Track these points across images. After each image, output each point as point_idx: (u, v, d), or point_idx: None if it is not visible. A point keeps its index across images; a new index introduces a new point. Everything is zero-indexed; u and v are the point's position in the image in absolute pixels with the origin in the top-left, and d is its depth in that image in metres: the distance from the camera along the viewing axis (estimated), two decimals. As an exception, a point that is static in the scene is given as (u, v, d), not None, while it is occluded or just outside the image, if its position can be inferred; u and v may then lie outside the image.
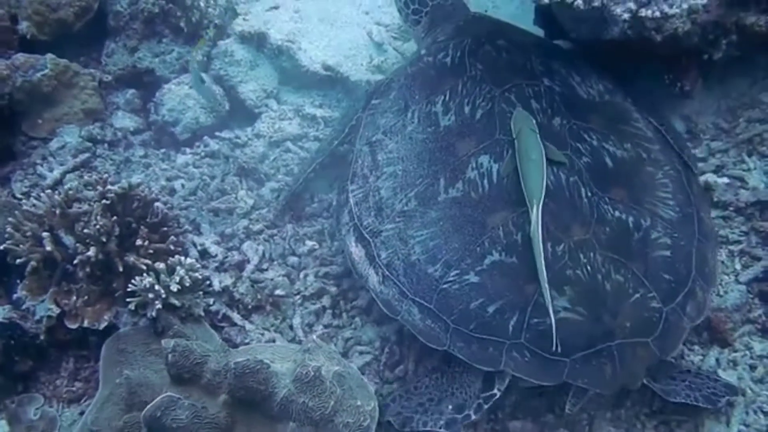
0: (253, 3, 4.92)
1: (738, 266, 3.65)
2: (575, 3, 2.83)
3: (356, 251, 3.46)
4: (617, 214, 3.26)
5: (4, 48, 4.29)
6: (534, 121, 3.34)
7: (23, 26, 4.37)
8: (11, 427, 3.31)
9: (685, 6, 2.80)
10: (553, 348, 2.96)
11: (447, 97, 3.59)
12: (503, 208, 3.23)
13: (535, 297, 3.04)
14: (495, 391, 3.11)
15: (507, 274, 3.12)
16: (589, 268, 3.10)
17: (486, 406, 3.11)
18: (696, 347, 3.48)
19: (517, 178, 3.21)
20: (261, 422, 2.92)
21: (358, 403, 2.95)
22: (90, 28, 4.63)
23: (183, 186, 4.15)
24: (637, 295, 3.11)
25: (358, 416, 2.91)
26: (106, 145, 4.33)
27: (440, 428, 3.09)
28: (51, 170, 4.02)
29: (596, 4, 2.84)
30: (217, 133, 4.42)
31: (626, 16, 2.81)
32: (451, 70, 3.71)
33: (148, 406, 2.72)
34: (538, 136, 3.26)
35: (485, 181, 3.31)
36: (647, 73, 3.98)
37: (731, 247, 3.71)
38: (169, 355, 2.95)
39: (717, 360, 3.42)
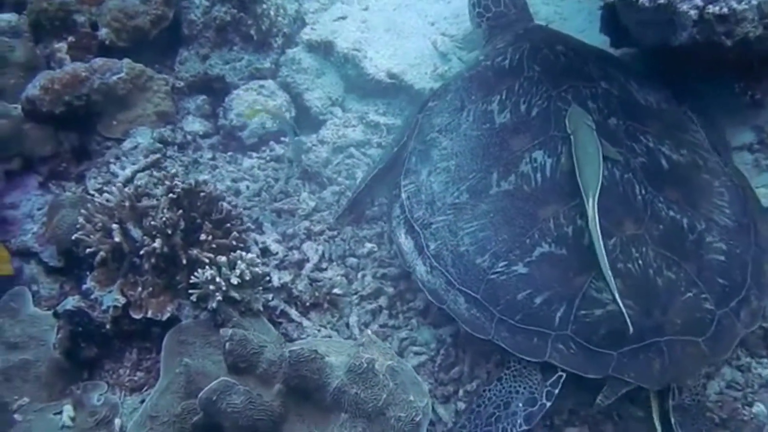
0: (322, 13, 5.03)
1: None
2: (640, 1, 2.79)
3: (405, 242, 3.52)
4: (671, 213, 3.23)
5: (83, 53, 4.49)
6: (590, 117, 3.35)
7: (102, 33, 4.56)
8: (76, 411, 3.41)
9: (755, 3, 2.72)
10: (630, 331, 2.93)
11: (503, 96, 3.63)
12: (555, 201, 3.24)
13: (584, 289, 3.04)
14: (559, 373, 3.08)
15: (556, 265, 3.12)
16: (640, 262, 3.08)
17: (556, 391, 3.07)
18: (765, 359, 3.37)
19: (571, 172, 3.22)
20: (313, 413, 2.95)
21: (411, 398, 2.95)
22: (165, 37, 4.79)
23: (248, 187, 4.24)
24: (690, 294, 3.07)
25: (410, 411, 2.91)
26: (176, 147, 4.47)
27: (520, 427, 3.07)
28: (123, 168, 4.16)
29: (662, 1, 2.80)
30: (282, 139, 4.49)
31: (693, 13, 2.76)
32: (508, 72, 3.75)
33: (205, 389, 2.77)
34: (594, 131, 3.28)
35: (538, 175, 3.32)
36: (716, 81, 3.88)
37: (802, 258, 3.57)
38: (227, 344, 3.01)
39: (785, 374, 3.31)
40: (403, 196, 3.62)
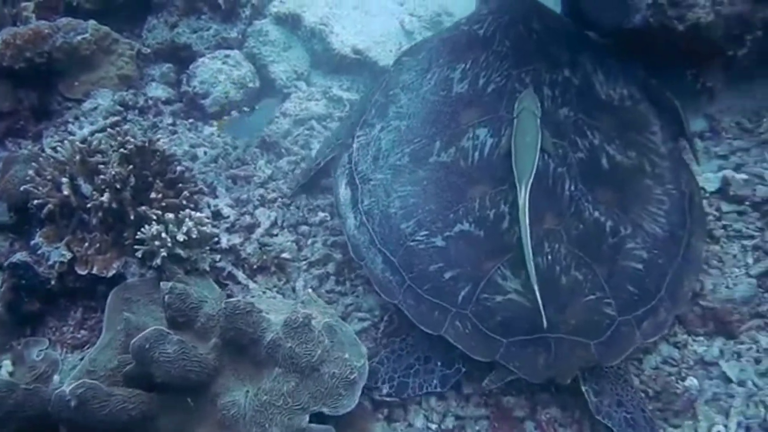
0: (290, -12, 5.06)
1: (750, 260, 3.56)
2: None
3: (343, 192, 3.55)
4: (596, 214, 3.20)
5: (50, 13, 4.50)
6: (538, 105, 3.32)
7: (71, -6, 4.57)
8: (15, 366, 3.39)
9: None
10: (544, 324, 2.94)
11: (467, 66, 3.62)
12: (485, 182, 3.25)
13: (491, 273, 3.06)
14: None
15: (471, 245, 3.14)
16: (549, 258, 3.08)
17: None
18: (701, 338, 3.41)
19: (507, 156, 3.21)
20: (248, 367, 2.94)
21: (346, 356, 2.94)
22: (135, 4, 4.82)
23: (205, 153, 4.24)
24: (593, 297, 3.06)
25: (344, 368, 2.90)
26: (137, 111, 4.48)
27: (435, 388, 3.11)
28: (81, 128, 4.16)
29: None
30: (245, 108, 4.50)
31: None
32: (480, 42, 3.72)
33: (137, 337, 2.74)
34: (538, 120, 3.26)
35: (476, 153, 3.32)
36: (670, 68, 3.92)
37: (745, 242, 3.63)
38: (166, 296, 2.99)
39: (721, 351, 3.35)
40: (354, 146, 3.63)
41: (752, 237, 3.66)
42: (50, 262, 3.51)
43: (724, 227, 3.72)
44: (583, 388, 3.08)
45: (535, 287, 2.92)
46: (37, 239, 3.56)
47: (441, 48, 3.80)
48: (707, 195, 3.81)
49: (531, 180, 3.07)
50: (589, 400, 3.06)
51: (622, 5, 3.60)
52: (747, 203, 3.73)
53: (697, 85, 3.94)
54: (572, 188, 3.22)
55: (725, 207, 3.77)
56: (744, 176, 3.80)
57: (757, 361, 3.30)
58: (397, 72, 3.83)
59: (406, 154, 3.42)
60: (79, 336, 3.55)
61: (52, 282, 3.52)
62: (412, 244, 3.20)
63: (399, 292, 3.19)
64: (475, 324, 3.05)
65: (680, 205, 3.39)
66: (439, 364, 3.16)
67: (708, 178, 3.86)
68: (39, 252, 3.54)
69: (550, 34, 3.77)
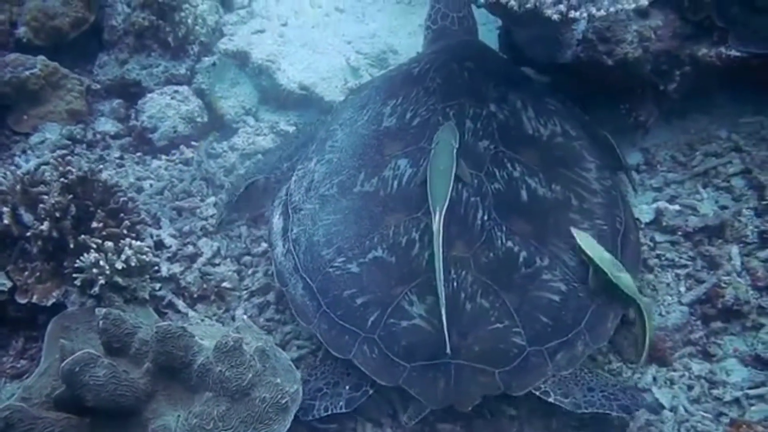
0: (241, 26, 5.16)
1: (682, 289, 3.67)
2: (509, 4, 2.96)
3: (276, 222, 3.64)
4: (509, 244, 3.23)
5: (0, 49, 4.54)
6: (456, 136, 3.42)
7: (21, 30, 4.64)
8: (-46, 396, 3.38)
9: (617, 8, 2.92)
10: (447, 350, 2.97)
11: (398, 101, 3.76)
12: (401, 210, 3.34)
13: (398, 299, 3.12)
14: None
15: (383, 271, 3.22)
16: (455, 284, 3.12)
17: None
18: (634, 365, 3.48)
19: (423, 185, 3.30)
20: (181, 392, 2.94)
21: (278, 381, 2.95)
22: (86, 41, 4.88)
23: (151, 185, 4.29)
24: (499, 325, 3.08)
25: (276, 393, 2.91)
26: (84, 145, 4.53)
27: (340, 409, 3.13)
28: (27, 162, 4.19)
29: (529, 6, 2.97)
30: (193, 143, 4.56)
31: (556, 17, 2.94)
32: (413, 80, 3.87)
33: (67, 360, 2.75)
34: (454, 150, 3.34)
35: (395, 182, 3.43)
36: (604, 102, 4.09)
37: (678, 271, 3.74)
38: (101, 322, 3.00)
39: (654, 378, 3.42)
40: (293, 179, 3.74)
41: (685, 266, 3.77)
42: (-10, 292, 3.53)
43: (658, 257, 3.82)
44: (551, 400, 3.08)
45: (443, 312, 2.96)
46: (-22, 269, 3.58)
47: (380, 86, 3.96)
48: (642, 226, 3.92)
49: (445, 206, 3.15)
50: (563, 404, 3.08)
51: (554, 41, 3.76)
52: (680, 233, 3.84)
53: (630, 119, 4.08)
54: (485, 218, 3.29)
55: (659, 237, 3.89)
56: (677, 207, 3.92)
57: (690, 388, 3.38)
58: (340, 110, 4.00)
59: (335, 184, 3.53)
60: (18, 366, 3.56)
61: (-7, 311, 3.54)
62: (330, 270, 3.29)
63: (314, 317, 3.27)
64: (381, 349, 3.10)
65: (611, 241, 3.41)
66: (347, 388, 3.20)
67: (642, 210, 3.98)
68: (-21, 282, 3.56)
69: (485, 72, 3.87)
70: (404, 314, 3.10)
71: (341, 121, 3.85)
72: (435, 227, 3.09)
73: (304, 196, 3.58)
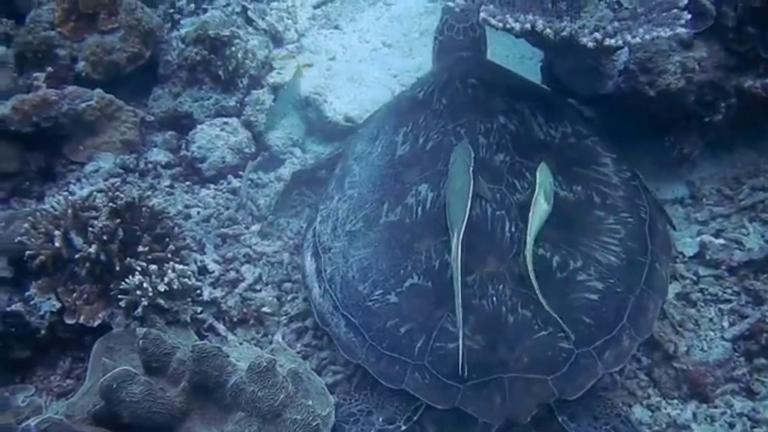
0: (290, 60, 5.29)
1: (726, 324, 3.61)
2: (544, 32, 2.99)
3: (309, 264, 3.71)
4: (540, 252, 3.25)
5: (60, 83, 4.73)
6: (471, 155, 3.42)
7: (80, 65, 4.84)
8: (0, 411, 3.49)
9: (646, 38, 2.92)
10: (460, 372, 3.02)
11: (409, 128, 3.79)
12: (429, 235, 3.37)
13: (441, 322, 3.15)
14: (421, 402, 3.19)
15: (421, 297, 3.25)
16: (494, 299, 3.15)
17: (415, 418, 3.20)
18: (675, 400, 3.40)
19: (445, 207, 3.33)
20: (215, 411, 3.00)
21: (310, 403, 2.99)
22: (142, 75, 5.05)
23: (198, 213, 4.40)
24: (544, 333, 3.10)
25: (307, 415, 2.95)
26: (137, 174, 4.67)
27: None
28: (81, 189, 4.35)
29: (564, 34, 2.99)
30: (240, 173, 4.67)
31: (591, 45, 2.96)
32: (420, 104, 3.91)
33: (105, 376, 2.84)
34: (470, 168, 3.35)
35: (419, 208, 3.46)
36: (648, 134, 4.06)
37: (721, 306, 3.68)
38: (141, 341, 3.09)
39: (694, 414, 3.36)
40: (318, 219, 3.80)
41: (728, 301, 3.70)
42: (41, 312, 3.65)
43: (701, 291, 3.76)
44: (560, 419, 3.10)
45: (460, 332, 3.00)
46: (31, 290, 3.71)
47: (388, 115, 4.01)
48: (685, 260, 3.87)
49: (464, 226, 3.16)
50: (568, 427, 3.09)
51: (595, 72, 3.76)
52: (724, 267, 3.77)
53: (674, 152, 4.03)
54: (512, 229, 3.32)
55: (702, 271, 3.82)
56: (722, 241, 3.86)
57: (731, 426, 3.30)
58: (352, 144, 4.05)
59: (360, 219, 3.58)
60: (64, 384, 3.67)
61: (43, 331, 3.65)
62: (369, 304, 3.33)
63: (362, 353, 3.30)
64: (432, 373, 3.12)
65: (639, 232, 3.47)
66: (380, 419, 3.24)
67: (686, 243, 3.94)
68: (32, 303, 3.68)
69: (488, 86, 3.88)
70: (449, 336, 3.12)
71: (355, 155, 3.90)
72: (453, 249, 3.13)
73: (331, 235, 3.65)
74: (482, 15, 3.22)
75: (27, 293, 3.72)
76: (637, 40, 2.97)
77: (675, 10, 3.19)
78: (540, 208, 3.24)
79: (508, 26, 3.18)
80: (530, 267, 3.11)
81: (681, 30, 3.05)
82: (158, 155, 4.83)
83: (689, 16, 3.16)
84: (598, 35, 2.98)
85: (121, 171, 4.60)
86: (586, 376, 3.10)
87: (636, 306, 3.26)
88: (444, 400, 3.09)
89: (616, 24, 3.14)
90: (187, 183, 4.71)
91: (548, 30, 3.02)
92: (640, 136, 4.06)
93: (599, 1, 3.49)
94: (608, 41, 2.98)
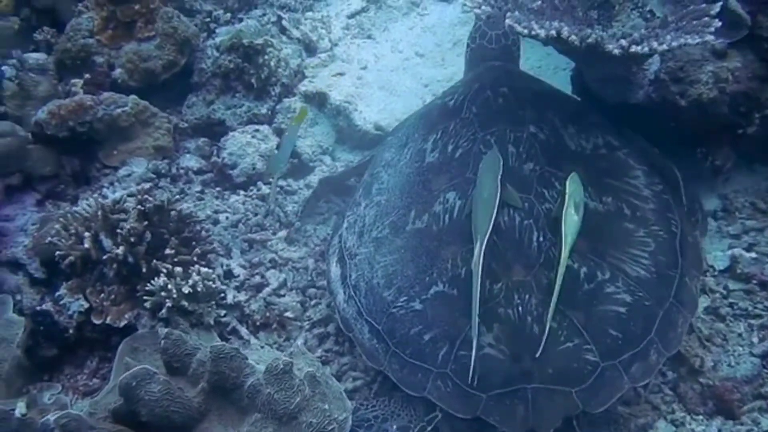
0: (322, 68, 5.35)
1: (755, 339, 3.50)
2: (570, 38, 2.96)
3: (334, 270, 3.70)
4: (568, 262, 3.18)
5: (97, 89, 4.87)
6: (500, 163, 3.39)
7: (117, 72, 4.98)
8: (28, 409, 3.54)
9: (673, 45, 2.87)
10: (470, 381, 3.00)
11: (438, 136, 3.77)
12: (456, 242, 3.34)
13: (466, 331, 3.10)
14: (437, 413, 3.18)
15: (446, 305, 3.22)
16: (520, 309, 3.11)
17: (429, 428, 3.19)
18: (700, 416, 3.32)
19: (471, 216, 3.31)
20: (232, 412, 3.00)
21: (326, 407, 2.98)
22: (177, 82, 5.16)
23: (227, 218, 4.45)
24: (570, 344, 3.06)
25: (323, 419, 2.93)
26: (168, 179, 4.75)
27: None
28: (114, 192, 4.42)
29: (590, 41, 2.96)
30: (270, 179, 4.71)
31: (617, 51, 2.92)
32: (450, 112, 3.88)
33: (125, 374, 2.88)
34: (498, 177, 3.31)
35: (447, 216, 3.43)
36: (681, 146, 3.97)
37: (751, 321, 3.58)
38: (162, 341, 3.12)
39: (719, 431, 3.26)
40: (344, 225, 3.80)
41: (759, 316, 3.60)
42: (70, 312, 3.73)
43: (731, 305, 3.67)
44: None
45: (474, 341, 2.98)
46: (61, 291, 3.80)
47: (417, 123, 3.99)
48: (715, 273, 3.79)
49: (488, 234, 3.13)
50: None
51: (625, 81, 3.71)
52: (755, 282, 3.69)
53: (706, 163, 3.95)
54: (540, 239, 3.28)
55: (732, 285, 3.73)
56: (753, 255, 3.76)
57: (758, 444, 3.20)
58: (380, 151, 4.05)
59: (386, 225, 3.56)
60: (91, 384, 3.74)
61: (71, 331, 3.74)
62: (394, 310, 3.31)
63: (384, 359, 3.28)
64: (456, 382, 3.08)
65: (669, 245, 3.41)
66: (395, 427, 3.24)
67: (717, 257, 3.85)
68: (61, 302, 3.77)
69: (519, 95, 3.85)
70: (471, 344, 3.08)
71: (384, 162, 3.90)
72: (475, 258, 3.10)
73: (357, 241, 3.64)
74: (508, 21, 3.19)
75: (57, 293, 3.81)
76: (664, 47, 2.92)
77: (706, 18, 3.14)
78: (571, 221, 3.19)
79: (533, 33, 3.14)
80: (559, 282, 3.06)
81: (710, 38, 2.98)
82: (190, 161, 4.90)
83: (719, 24, 3.09)
84: (624, 42, 2.94)
85: (153, 176, 4.68)
86: (611, 389, 3.05)
87: (664, 320, 3.20)
88: (466, 409, 3.05)
89: (643, 31, 3.10)
90: (218, 189, 4.76)
91: (573, 37, 2.99)
92: (671, 146, 3.97)
93: (632, 11, 3.47)
94: (634, 48, 2.93)
